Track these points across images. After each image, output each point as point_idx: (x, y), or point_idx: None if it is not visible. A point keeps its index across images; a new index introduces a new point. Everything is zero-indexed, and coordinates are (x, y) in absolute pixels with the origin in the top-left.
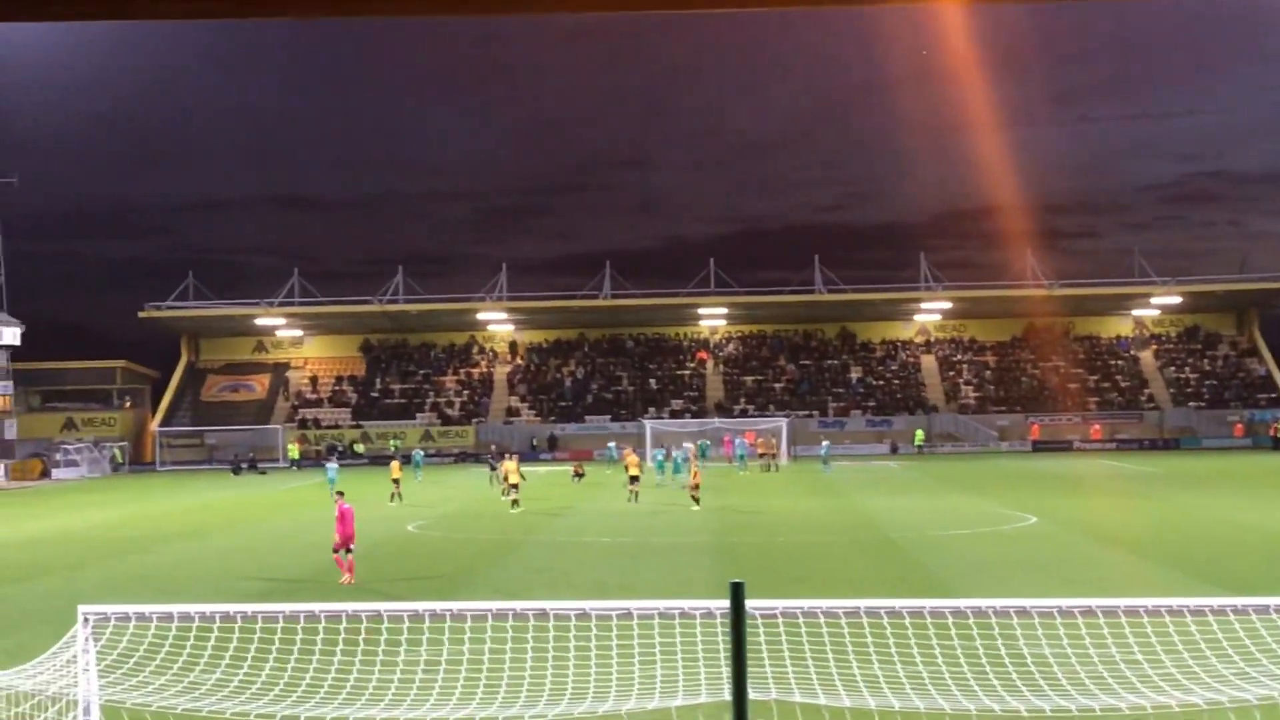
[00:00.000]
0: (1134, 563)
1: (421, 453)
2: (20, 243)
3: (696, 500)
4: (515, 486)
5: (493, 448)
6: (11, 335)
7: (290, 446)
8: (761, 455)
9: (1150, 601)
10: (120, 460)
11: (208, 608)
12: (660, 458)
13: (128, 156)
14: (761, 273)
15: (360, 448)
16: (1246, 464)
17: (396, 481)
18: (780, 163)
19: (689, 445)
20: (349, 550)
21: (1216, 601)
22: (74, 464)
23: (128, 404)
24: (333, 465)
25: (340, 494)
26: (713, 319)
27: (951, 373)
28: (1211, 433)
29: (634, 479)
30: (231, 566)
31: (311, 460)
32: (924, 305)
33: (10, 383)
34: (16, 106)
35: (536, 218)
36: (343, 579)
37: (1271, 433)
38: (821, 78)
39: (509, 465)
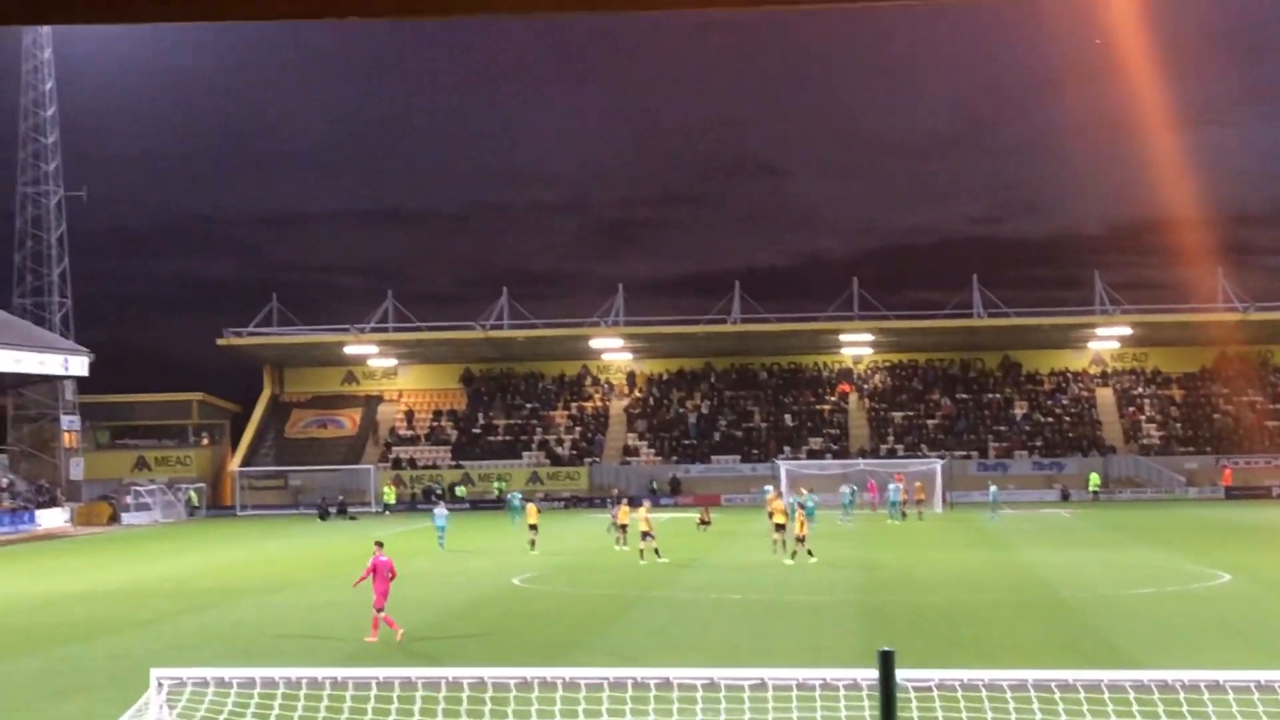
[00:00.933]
0: None
1: (520, 494)
2: (89, 263)
3: (808, 553)
4: (648, 534)
5: (615, 491)
6: (79, 365)
7: (385, 490)
8: (906, 502)
9: None
10: (196, 503)
11: (293, 672)
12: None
13: (205, 168)
14: (912, 294)
15: (462, 490)
16: None
17: (534, 527)
18: (932, 169)
19: (801, 493)
20: (380, 609)
21: None
22: (146, 507)
23: (205, 441)
24: (441, 512)
25: (379, 544)
26: (856, 346)
27: (1131, 408)
28: None
29: (779, 527)
30: (320, 624)
31: (407, 504)
32: (1099, 331)
33: (77, 417)
34: (85, 116)
35: (656, 232)
36: (368, 638)
37: None
38: (979, 74)
39: (640, 512)
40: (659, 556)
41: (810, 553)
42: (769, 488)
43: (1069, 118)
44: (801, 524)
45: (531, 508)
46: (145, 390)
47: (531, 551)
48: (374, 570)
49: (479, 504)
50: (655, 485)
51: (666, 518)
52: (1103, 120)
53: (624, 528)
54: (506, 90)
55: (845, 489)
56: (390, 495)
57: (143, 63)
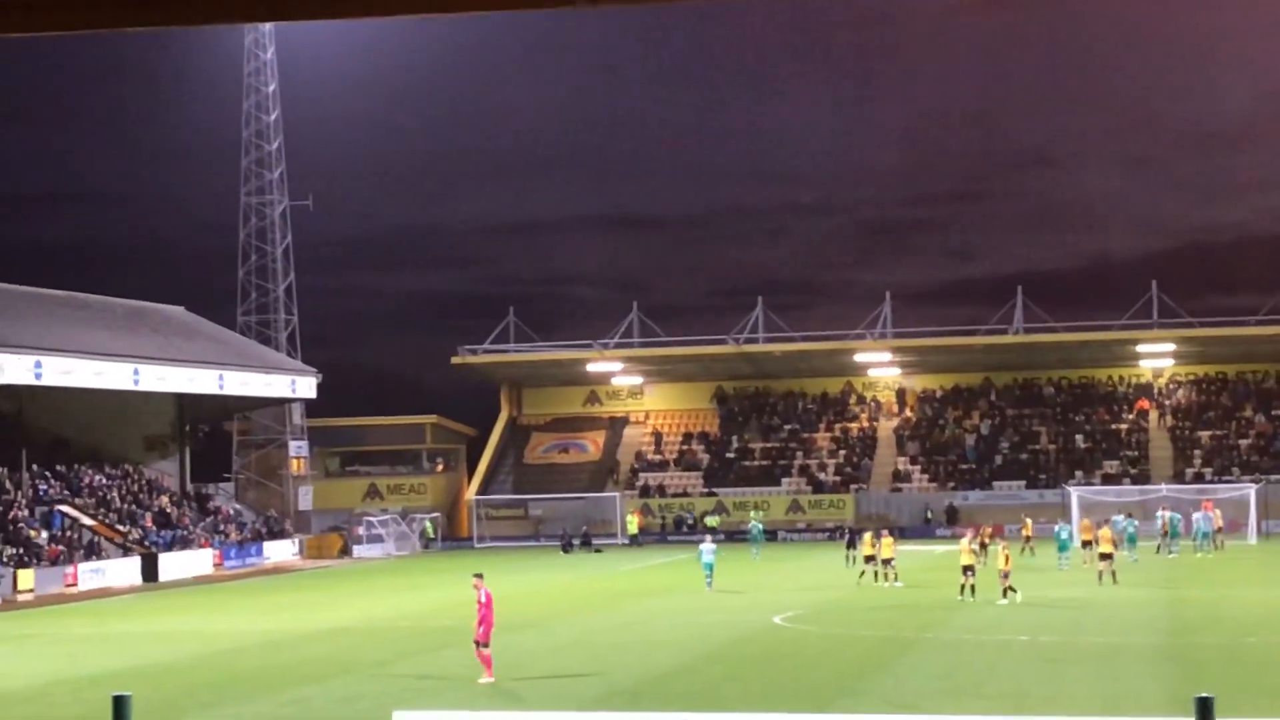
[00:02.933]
0: None
1: (758, 524)
2: (315, 277)
3: (1007, 591)
4: (889, 561)
5: (847, 523)
6: (307, 387)
7: (629, 519)
8: (1220, 530)
9: None
10: (432, 535)
11: (540, 715)
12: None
13: (435, 175)
14: (1218, 298)
15: (714, 521)
16: None
17: (870, 559)
18: (1234, 159)
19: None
20: (485, 644)
21: None
22: (379, 539)
23: (439, 467)
24: (709, 547)
25: (479, 576)
26: (1156, 358)
27: None
28: None
29: (966, 569)
30: (566, 665)
31: (657, 535)
32: None
33: (305, 443)
34: (310, 121)
35: (925, 234)
36: (485, 679)
37: None
38: None
39: (886, 541)
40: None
41: (1007, 591)
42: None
43: None
44: (1006, 558)
45: (887, 540)
46: (376, 413)
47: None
48: (486, 604)
49: (734, 535)
50: (930, 514)
51: (941, 550)
52: None
53: (870, 559)
54: (752, 83)
55: (1198, 516)
56: (633, 525)
57: (366, 64)
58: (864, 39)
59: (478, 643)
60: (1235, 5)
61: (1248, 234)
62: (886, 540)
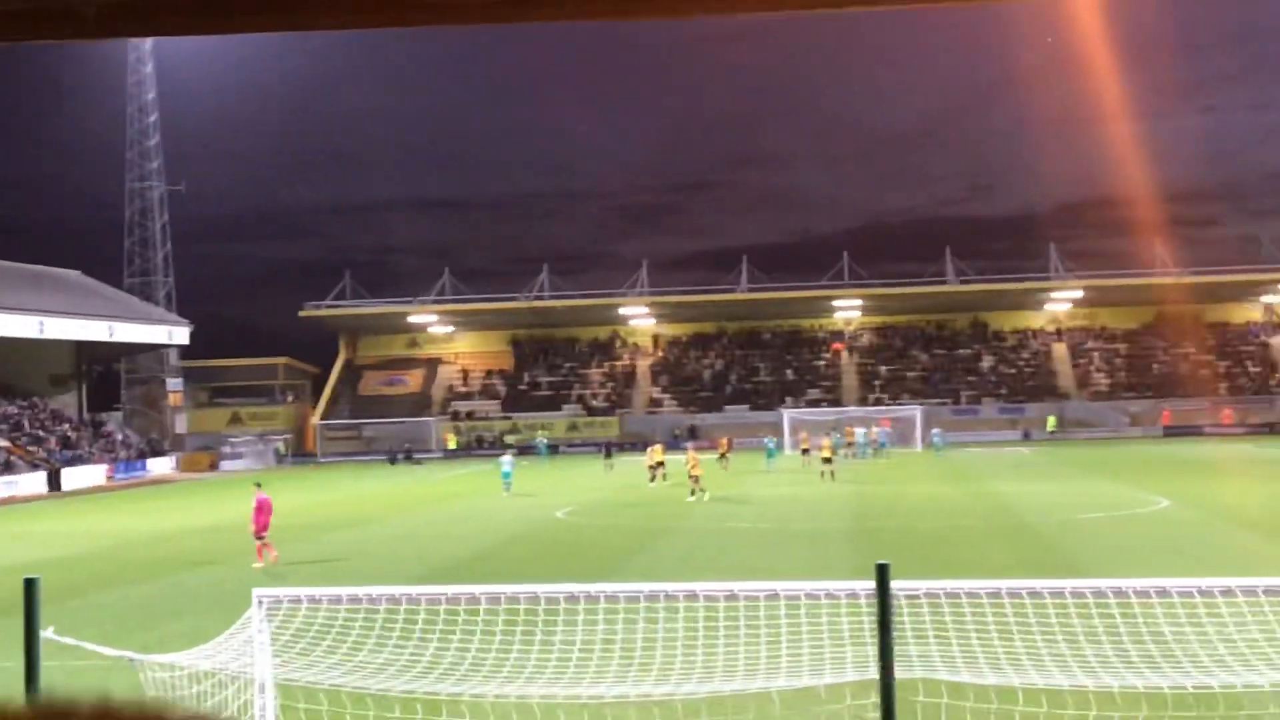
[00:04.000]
0: (1266, 545)
1: (544, 441)
2: (187, 246)
3: (695, 490)
4: (659, 465)
5: (608, 440)
6: (181, 335)
7: (448, 437)
8: (875, 442)
9: None
10: (284, 452)
11: (374, 590)
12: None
13: (286, 164)
14: (893, 265)
15: (511, 439)
16: None
17: (661, 464)
18: (909, 157)
19: (862, 430)
20: (259, 537)
21: None
22: (240, 456)
23: (290, 399)
24: (508, 460)
25: (258, 485)
26: (847, 311)
27: (1083, 360)
28: None
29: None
30: (393, 553)
31: (464, 450)
32: (1055, 294)
33: (180, 380)
34: (183, 118)
35: (671, 215)
36: (256, 564)
37: None
38: (950, 73)
39: (657, 448)
40: (696, 495)
41: (694, 490)
42: (689, 444)
43: (1025, 110)
44: (696, 464)
45: (658, 448)
46: (238, 356)
47: (651, 485)
48: (259, 507)
49: (526, 449)
50: (676, 432)
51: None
52: (1055, 111)
53: (658, 465)
54: (546, 93)
55: (863, 430)
56: (452, 442)
57: (233, 72)
58: (626, 60)
59: (255, 535)
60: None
61: (915, 216)
62: (657, 448)
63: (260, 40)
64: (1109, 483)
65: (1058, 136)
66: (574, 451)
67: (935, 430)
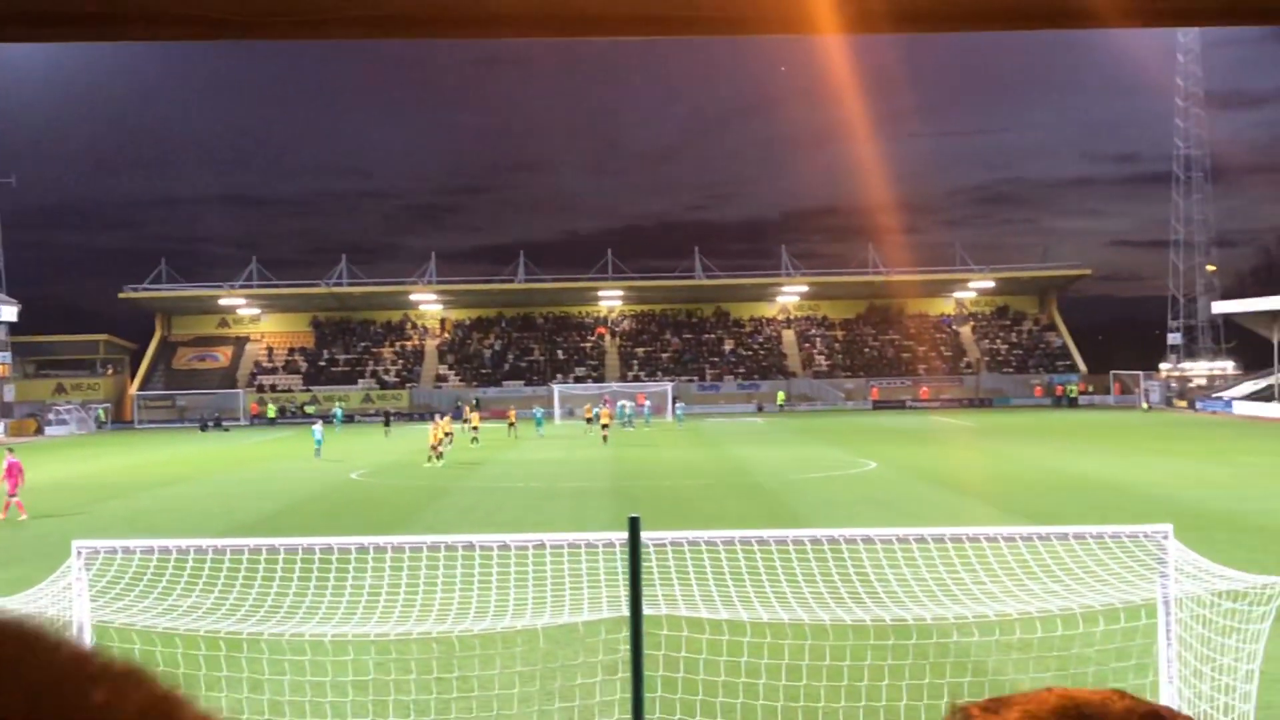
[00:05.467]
0: (957, 499)
1: (339, 411)
2: (17, 233)
3: (431, 457)
4: (438, 446)
5: (388, 411)
6: (9, 313)
7: (268, 407)
8: (638, 415)
9: (969, 530)
10: (104, 419)
11: (184, 542)
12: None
13: (108, 159)
14: (649, 261)
15: (311, 409)
16: (1045, 419)
17: (449, 435)
18: (661, 170)
19: (625, 403)
20: (13, 496)
21: (1023, 530)
22: (64, 423)
23: (110, 372)
24: (319, 428)
25: (11, 450)
26: (610, 300)
27: (807, 344)
28: (1018, 394)
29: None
30: (203, 509)
31: (268, 420)
32: (785, 289)
33: (9, 353)
34: (13, 116)
35: (458, 214)
36: (5, 517)
37: (1058, 392)
38: (696, 96)
39: (441, 422)
40: (436, 461)
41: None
42: (465, 406)
43: (760, 130)
44: (435, 434)
45: (444, 421)
46: (62, 333)
47: (437, 463)
48: (9, 471)
49: (323, 418)
50: (460, 403)
51: (468, 427)
52: (785, 132)
53: (444, 439)
54: (340, 104)
55: (629, 404)
56: (272, 411)
57: (61, 75)
58: (416, 74)
59: (9, 494)
60: (665, 64)
61: (667, 219)
62: (445, 420)
63: (86, 48)
64: (827, 448)
65: (787, 154)
66: (368, 421)
67: (678, 404)
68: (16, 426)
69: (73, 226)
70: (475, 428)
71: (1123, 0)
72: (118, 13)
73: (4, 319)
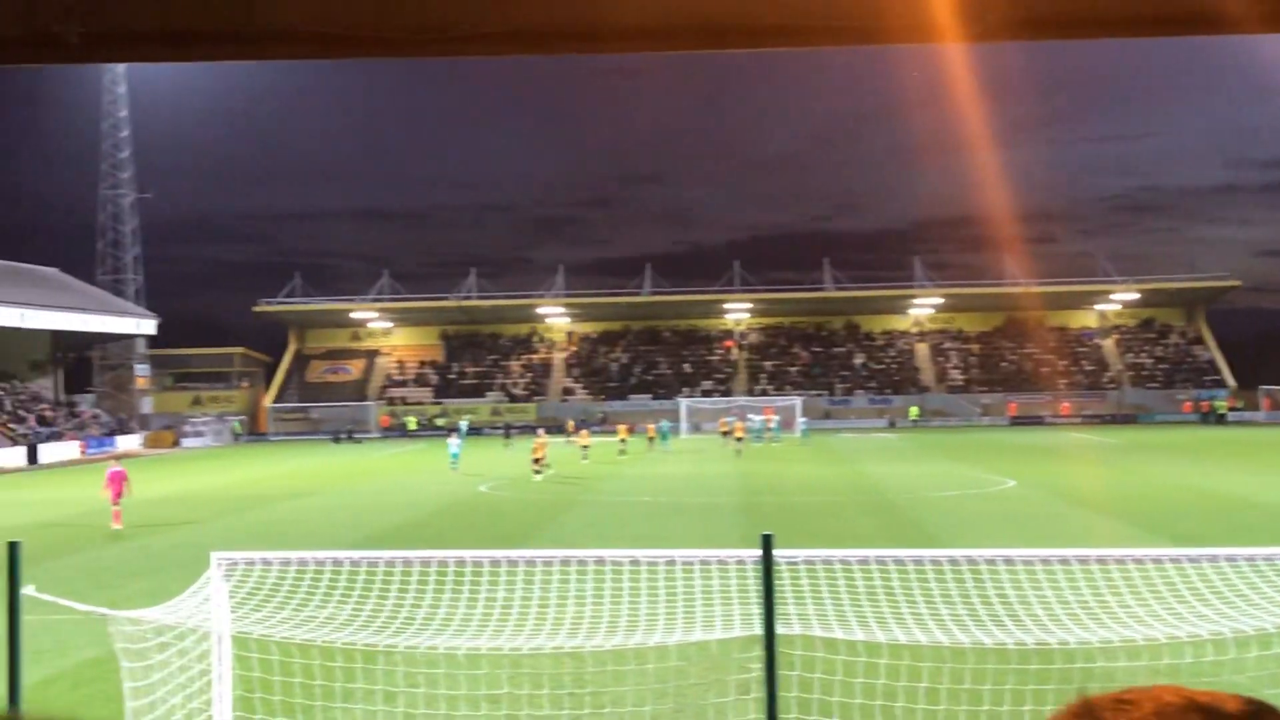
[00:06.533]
0: (1099, 520)
1: (466, 424)
2: (155, 248)
3: (537, 471)
4: (539, 460)
5: (508, 423)
6: (149, 326)
7: (408, 419)
8: (770, 430)
9: (1114, 552)
10: (239, 431)
11: (320, 554)
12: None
13: (243, 176)
14: (777, 273)
15: (441, 421)
16: (1192, 436)
17: (539, 461)
18: (784, 181)
19: (753, 417)
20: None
21: (1170, 551)
22: (200, 435)
23: (245, 384)
24: (455, 441)
25: (116, 459)
26: (737, 313)
27: (941, 358)
28: (1163, 409)
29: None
30: (335, 521)
31: (399, 431)
32: (918, 301)
33: (148, 366)
34: (153, 133)
35: (579, 227)
36: (120, 526)
37: (1205, 409)
38: (822, 105)
39: (539, 440)
40: (540, 474)
41: (537, 471)
42: (541, 430)
43: (890, 138)
44: (538, 445)
45: (541, 441)
46: (199, 345)
47: (537, 477)
48: (111, 480)
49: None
50: (584, 416)
51: (596, 441)
52: (916, 140)
53: (539, 460)
54: (465, 121)
55: (760, 418)
56: (413, 423)
57: (198, 94)
58: (539, 90)
59: (112, 502)
60: (788, 74)
61: (794, 230)
62: (539, 439)
63: (223, 68)
64: (963, 465)
65: (917, 162)
66: (495, 434)
67: (802, 419)
68: (154, 438)
69: (208, 241)
70: (585, 445)
71: (1263, 6)
72: (253, 32)
73: (143, 332)
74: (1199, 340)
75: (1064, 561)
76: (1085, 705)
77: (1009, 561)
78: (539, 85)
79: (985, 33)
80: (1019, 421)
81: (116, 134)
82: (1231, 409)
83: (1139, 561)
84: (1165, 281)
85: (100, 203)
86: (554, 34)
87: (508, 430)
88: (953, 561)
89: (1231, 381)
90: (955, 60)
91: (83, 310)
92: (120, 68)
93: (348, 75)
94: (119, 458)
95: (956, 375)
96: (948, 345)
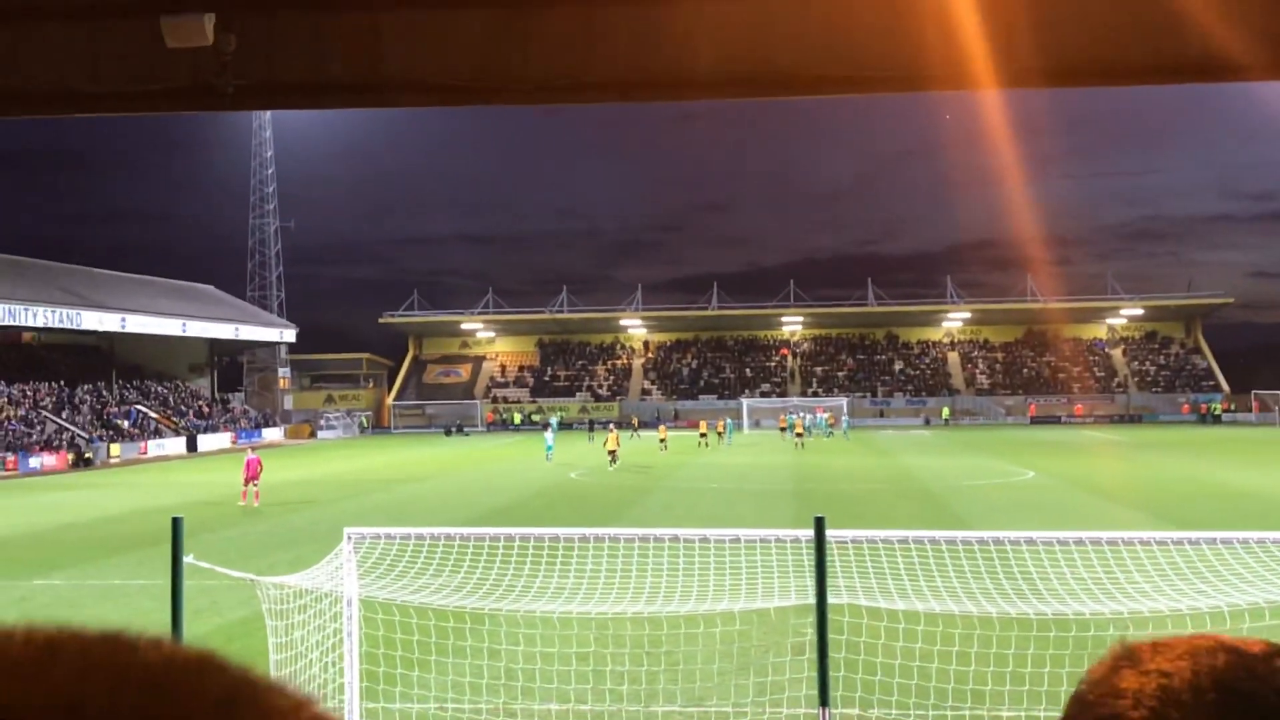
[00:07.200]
0: (1110, 506)
1: (556, 420)
2: (295, 269)
3: (612, 462)
4: (613, 453)
5: (591, 419)
6: (290, 335)
7: (515, 414)
8: (834, 424)
9: (1123, 535)
10: (365, 425)
11: (435, 530)
12: (807, 420)
13: (368, 205)
14: (825, 290)
15: (537, 417)
16: (1191, 434)
17: (613, 454)
18: (835, 209)
19: (807, 415)
20: (253, 485)
21: (1174, 535)
22: (333, 428)
23: (371, 385)
24: (550, 434)
25: (253, 448)
26: (791, 325)
27: (970, 365)
28: (1165, 411)
29: (611, 454)
30: (447, 502)
31: (500, 426)
32: (950, 315)
33: (289, 369)
34: (294, 170)
35: (654, 249)
36: (244, 503)
37: (1203, 410)
38: (866, 142)
39: (611, 434)
40: (613, 464)
41: (612, 461)
42: (611, 424)
43: (925, 173)
44: (612, 438)
45: (612, 434)
46: (332, 351)
47: (610, 468)
48: (248, 465)
49: (545, 426)
50: (659, 414)
51: (673, 435)
52: (949, 174)
53: (614, 453)
54: (564, 156)
55: (816, 415)
56: (518, 418)
57: (331, 135)
58: (624, 133)
59: (245, 483)
60: (835, 114)
61: (840, 254)
62: (611, 434)
63: (354, 113)
64: (989, 458)
65: (951, 194)
66: (581, 429)
67: (844, 418)
68: (294, 430)
69: (340, 262)
70: (663, 439)
71: (1271, 53)
72: (380, 82)
73: (285, 340)
74: (1197, 350)
75: (1079, 543)
76: (1125, 647)
77: (1030, 542)
78: (622, 125)
79: (1015, 80)
80: (1038, 421)
81: (263, 171)
82: (1226, 411)
83: (1145, 543)
84: (1167, 299)
85: (249, 230)
86: (641, 84)
87: (591, 425)
88: (981, 542)
89: (1226, 387)
90: (986, 103)
91: (234, 321)
92: (267, 114)
93: (459, 119)
94: (262, 448)
95: (983, 380)
96: (975, 354)
